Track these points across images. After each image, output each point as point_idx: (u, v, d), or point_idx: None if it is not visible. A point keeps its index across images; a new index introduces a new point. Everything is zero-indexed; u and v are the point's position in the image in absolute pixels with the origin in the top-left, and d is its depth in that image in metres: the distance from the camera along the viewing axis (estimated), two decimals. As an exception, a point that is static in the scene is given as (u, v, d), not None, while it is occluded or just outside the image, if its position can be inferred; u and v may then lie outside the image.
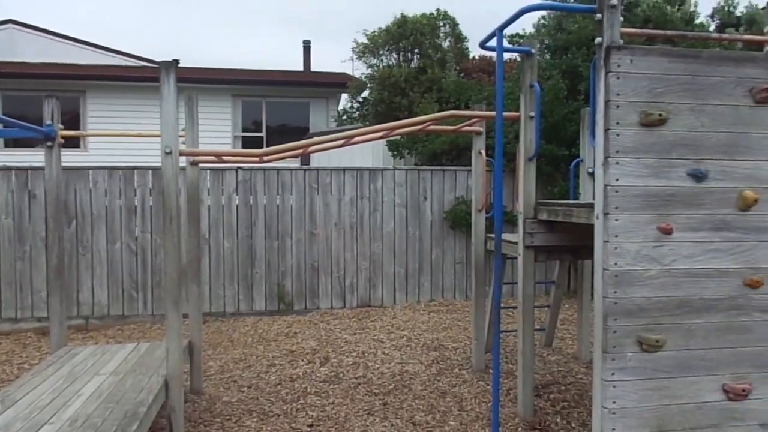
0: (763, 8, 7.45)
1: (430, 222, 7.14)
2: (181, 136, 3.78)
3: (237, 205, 6.78)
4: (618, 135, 2.75)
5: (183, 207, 4.39)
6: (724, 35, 3.03)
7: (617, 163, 2.76)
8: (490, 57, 11.45)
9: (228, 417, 3.94)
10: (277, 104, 14.17)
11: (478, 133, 4.62)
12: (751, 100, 2.86)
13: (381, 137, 4.36)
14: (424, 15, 12.70)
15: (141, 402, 3.15)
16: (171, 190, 3.39)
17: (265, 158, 3.96)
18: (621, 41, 2.84)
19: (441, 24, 13.06)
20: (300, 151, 4.03)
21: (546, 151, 6.88)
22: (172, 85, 3.39)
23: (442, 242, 7.19)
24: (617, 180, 2.76)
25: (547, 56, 8.93)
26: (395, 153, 8.57)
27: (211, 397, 4.31)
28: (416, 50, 12.61)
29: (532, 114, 3.64)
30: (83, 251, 6.49)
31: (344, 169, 6.95)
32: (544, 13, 10.20)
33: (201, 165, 4.87)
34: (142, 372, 3.69)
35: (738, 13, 7.28)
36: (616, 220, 2.76)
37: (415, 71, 11.71)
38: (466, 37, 13.87)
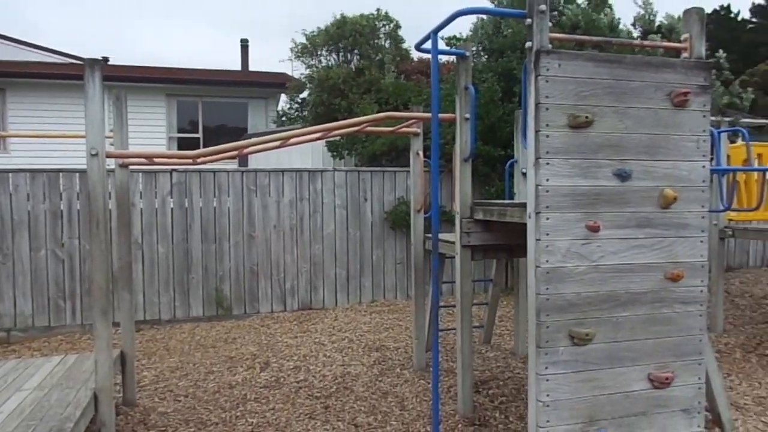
0: (680, 17, 7.90)
1: (371, 223, 7.16)
2: (109, 137, 3.63)
3: (172, 209, 6.57)
4: (548, 136, 2.84)
5: (112, 211, 4.22)
6: (646, 42, 3.17)
7: (547, 163, 2.84)
8: (429, 59, 11.59)
9: (163, 428, 3.81)
10: (215, 104, 13.85)
11: (416, 134, 4.66)
12: (670, 103, 3.02)
13: (319, 138, 4.33)
14: (363, 16, 12.72)
15: (67, 417, 3.00)
16: (97, 193, 3.25)
17: (199, 160, 3.86)
18: (550, 46, 2.93)
19: (381, 25, 13.12)
20: (236, 152, 3.95)
21: (483, 152, 7.03)
22: (97, 83, 3.25)
23: (383, 243, 7.22)
24: (547, 180, 2.85)
25: (484, 59, 9.12)
26: (335, 154, 8.54)
27: (146, 408, 4.16)
28: (356, 51, 12.62)
29: (468, 116, 3.70)
30: (3, 259, 6.12)
31: (283, 171, 6.86)
32: (483, 16, 10.41)
33: (132, 167, 4.69)
34: (70, 386, 3.51)
35: (658, 21, 7.67)
36: (547, 219, 2.85)
37: (354, 72, 11.71)
38: (405, 39, 14.00)
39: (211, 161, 4.01)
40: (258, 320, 6.62)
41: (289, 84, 12.65)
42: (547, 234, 2.85)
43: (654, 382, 3.05)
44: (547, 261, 2.86)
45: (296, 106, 13.63)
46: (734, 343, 5.39)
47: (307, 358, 5.22)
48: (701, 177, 3.10)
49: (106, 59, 12.68)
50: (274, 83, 13.58)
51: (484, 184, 7.33)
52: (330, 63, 12.75)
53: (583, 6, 7.65)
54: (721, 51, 7.55)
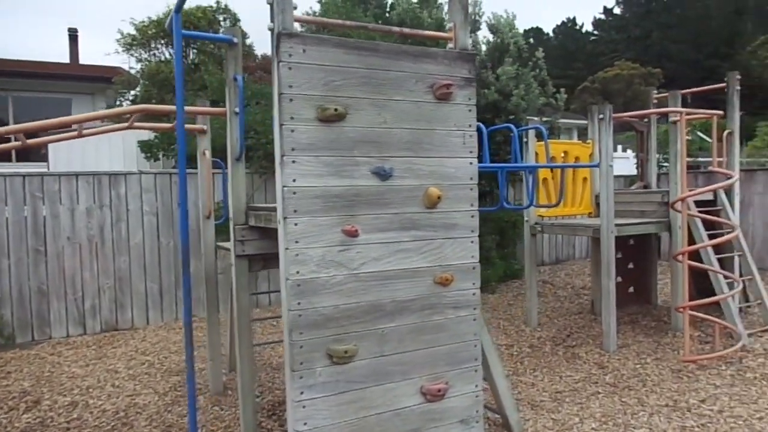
0: (506, 17, 8.11)
1: (195, 230, 6.52)
2: None
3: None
4: (293, 131, 2.51)
5: None
6: (407, 30, 2.98)
7: (294, 162, 2.51)
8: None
9: None
10: (31, 99, 12.28)
11: (202, 132, 4.18)
12: (433, 96, 2.82)
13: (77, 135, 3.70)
14: (200, 7, 11.91)
15: None
16: None
17: None
18: (298, 29, 2.61)
19: (221, 18, 12.37)
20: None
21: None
22: None
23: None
24: (294, 181, 2.52)
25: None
26: (149, 155, 7.75)
27: None
28: (192, 45, 11.78)
29: (237, 110, 3.29)
30: None
31: (77, 174, 6.01)
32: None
33: None
34: None
35: (484, 21, 7.82)
36: (296, 224, 2.52)
37: (188, 68, 10.90)
38: (248, 35, 13.37)
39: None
40: (49, 348, 5.74)
41: (116, 78, 11.51)
42: (297, 241, 2.52)
43: (427, 395, 2.84)
44: (297, 272, 2.53)
45: (127, 103, 12.47)
46: (546, 336, 5.50)
47: (91, 390, 4.53)
48: (469, 174, 2.95)
49: None
50: (103, 77, 12.33)
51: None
52: (165, 57, 11.80)
53: (412, 3, 7.59)
54: (539, 51, 7.83)
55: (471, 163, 2.94)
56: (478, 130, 4.29)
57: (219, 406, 4.11)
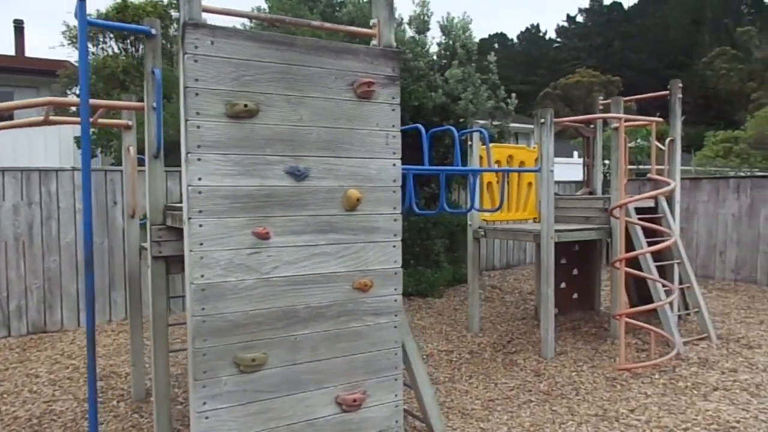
0: (459, 19, 8.09)
1: (123, 230, 6.27)
2: None
3: None
4: (199, 127, 2.38)
5: None
6: (327, 24, 2.86)
7: (199, 159, 2.38)
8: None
9: None
10: (-33, 93, 11.75)
11: (127, 128, 3.99)
12: (354, 94, 2.72)
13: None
14: (151, 2, 11.54)
15: None
16: None
17: None
18: (206, 20, 2.47)
19: (172, 12, 12.01)
20: None
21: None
22: None
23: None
24: (200, 179, 2.38)
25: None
26: (88, 151, 7.42)
27: None
28: (140, 40, 11.41)
29: (155, 104, 3.12)
30: None
31: (3, 170, 5.71)
32: None
33: None
34: None
35: (434, 21, 7.78)
36: (201, 225, 2.38)
37: (137, 62, 10.56)
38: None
39: None
40: (-31, 351, 5.43)
41: (61, 72, 11.09)
42: (202, 243, 2.39)
43: (343, 405, 2.73)
44: (202, 276, 2.39)
45: (73, 97, 12.01)
46: (487, 342, 5.46)
47: (6, 396, 4.28)
48: (392, 176, 2.86)
49: None
50: (47, 71, 11.86)
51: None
52: (113, 51, 11.39)
53: (363, 2, 7.49)
54: (492, 55, 7.82)
55: (394, 165, 2.85)
56: (418, 131, 4.24)
57: (139, 413, 3.92)
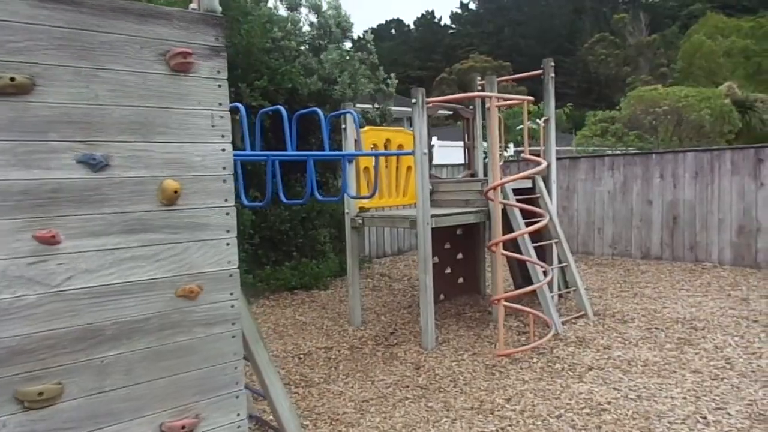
0: None
1: None
2: None
3: None
4: (-55, 106, 1.86)
5: None
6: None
7: (-52, 147, 1.86)
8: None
9: None
10: None
11: None
12: (166, 67, 2.29)
13: None
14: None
15: None
16: None
17: None
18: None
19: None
20: None
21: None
22: None
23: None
24: (-50, 173, 1.87)
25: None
26: None
27: None
28: None
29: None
30: None
31: None
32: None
33: None
34: None
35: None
36: (-46, 231, 1.87)
37: None
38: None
39: None
40: None
41: None
42: (-42, 255, 1.88)
43: (169, 433, 2.33)
44: (-38, 295, 1.89)
45: None
46: (368, 335, 5.22)
47: None
48: (220, 163, 2.45)
49: None
50: None
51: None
52: None
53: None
54: (368, 31, 7.53)
55: (223, 150, 2.45)
56: (279, 114, 3.85)
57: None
